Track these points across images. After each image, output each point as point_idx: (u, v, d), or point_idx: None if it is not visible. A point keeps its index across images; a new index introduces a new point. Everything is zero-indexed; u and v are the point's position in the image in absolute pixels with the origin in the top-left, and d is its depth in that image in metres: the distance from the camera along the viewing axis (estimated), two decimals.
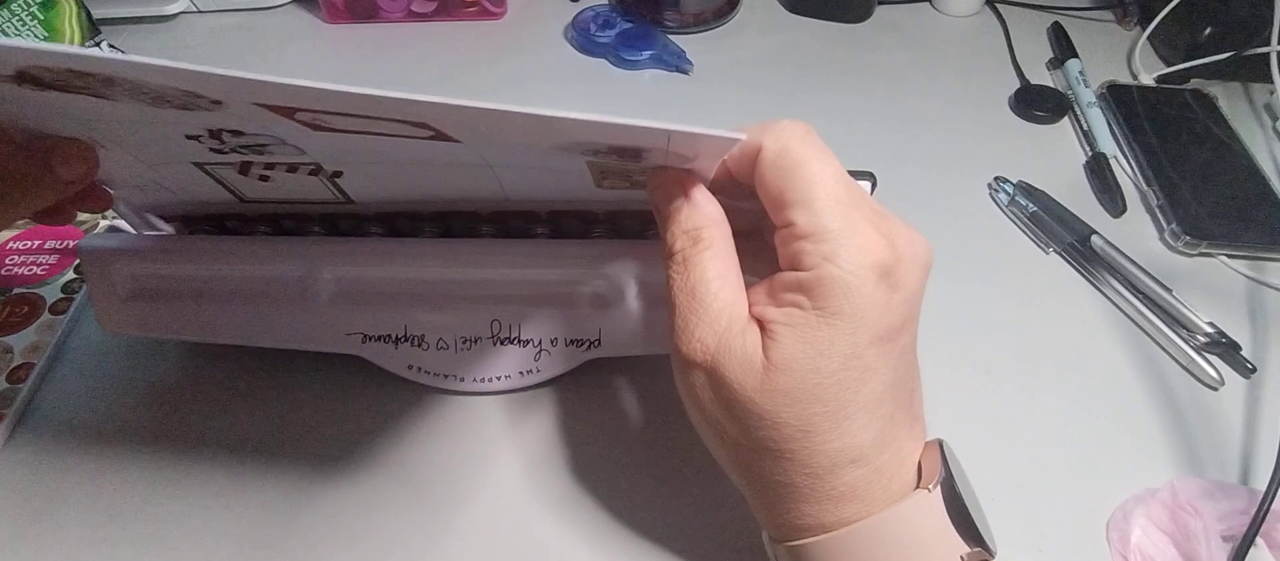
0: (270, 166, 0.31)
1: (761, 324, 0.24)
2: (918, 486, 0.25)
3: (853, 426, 0.23)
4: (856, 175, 0.30)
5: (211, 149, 0.29)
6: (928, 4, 0.71)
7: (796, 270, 0.23)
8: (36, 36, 0.53)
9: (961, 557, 0.24)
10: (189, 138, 0.28)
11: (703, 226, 0.25)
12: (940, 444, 0.26)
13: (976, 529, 0.24)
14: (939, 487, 0.24)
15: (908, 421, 0.25)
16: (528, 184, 0.32)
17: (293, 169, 0.31)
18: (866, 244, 0.23)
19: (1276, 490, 0.30)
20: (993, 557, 0.25)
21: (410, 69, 0.60)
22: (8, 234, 0.43)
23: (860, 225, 0.23)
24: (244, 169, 0.31)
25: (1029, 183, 0.49)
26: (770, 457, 0.24)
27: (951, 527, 0.24)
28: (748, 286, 0.25)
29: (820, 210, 0.23)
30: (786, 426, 0.23)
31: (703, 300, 0.24)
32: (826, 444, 0.23)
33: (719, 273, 0.24)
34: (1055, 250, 0.46)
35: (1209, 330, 0.40)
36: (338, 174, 0.32)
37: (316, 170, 0.32)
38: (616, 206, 0.35)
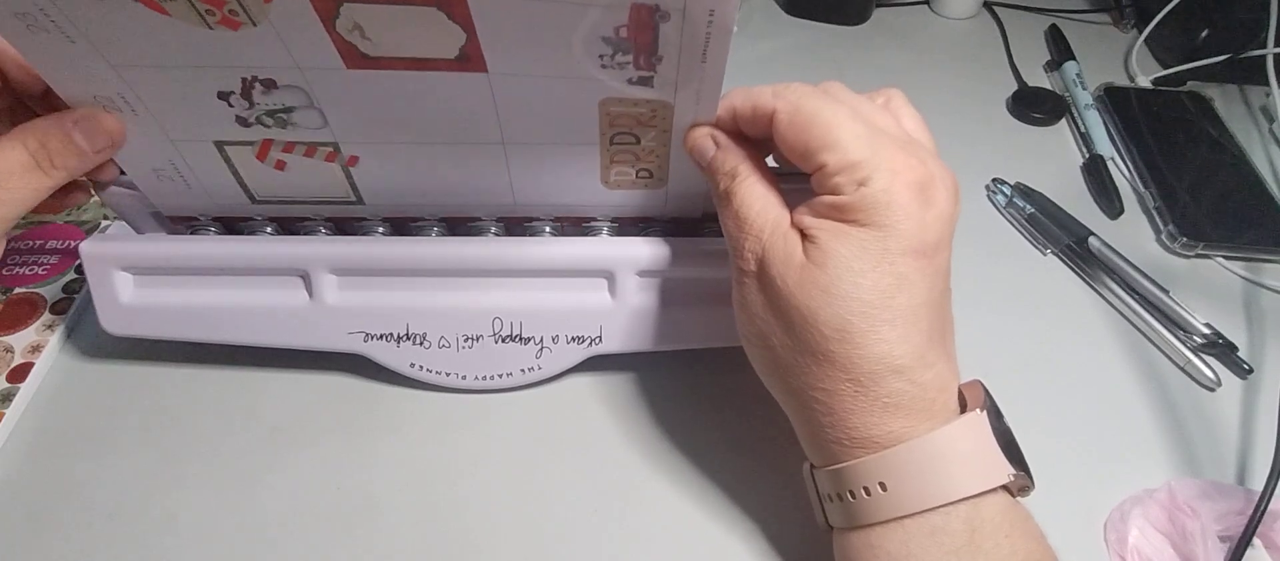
0: (289, 148, 0.31)
1: (803, 232, 0.26)
2: (963, 413, 0.25)
3: (891, 334, 0.24)
4: None
5: (238, 116, 0.30)
6: (926, 6, 0.71)
7: (834, 197, 0.25)
8: None
9: (1011, 476, 0.25)
10: (220, 96, 0.29)
11: (737, 164, 0.28)
12: (979, 382, 0.27)
13: (1021, 454, 0.25)
14: (985, 413, 0.25)
15: (946, 353, 0.26)
16: (537, 172, 0.33)
17: (310, 152, 0.31)
18: (897, 165, 0.24)
19: (1273, 490, 0.30)
20: (1033, 487, 0.26)
21: None
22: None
23: (888, 149, 0.25)
24: (262, 152, 0.31)
25: (1026, 184, 0.49)
26: (815, 362, 0.25)
27: (999, 450, 0.25)
28: (792, 209, 0.27)
29: (846, 146, 0.24)
30: (825, 325, 0.25)
31: (747, 219, 0.27)
32: (865, 348, 0.24)
33: (758, 194, 0.27)
34: (1053, 251, 0.46)
35: (1206, 331, 0.40)
36: (353, 162, 0.32)
37: (334, 153, 0.32)
38: (620, 212, 0.35)
